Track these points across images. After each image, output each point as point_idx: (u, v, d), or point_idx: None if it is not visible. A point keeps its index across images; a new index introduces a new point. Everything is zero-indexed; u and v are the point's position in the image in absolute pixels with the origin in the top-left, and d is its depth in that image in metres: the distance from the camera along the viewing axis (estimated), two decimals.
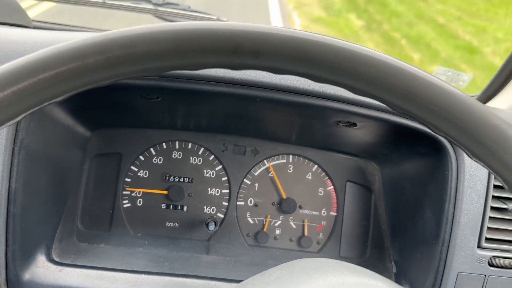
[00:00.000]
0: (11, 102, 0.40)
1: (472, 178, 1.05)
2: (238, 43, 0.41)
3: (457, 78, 1.74)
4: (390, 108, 0.45)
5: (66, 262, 1.08)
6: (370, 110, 1.02)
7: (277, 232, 1.36)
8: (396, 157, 1.24)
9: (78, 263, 1.09)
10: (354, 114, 1.04)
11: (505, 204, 1.09)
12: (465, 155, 1.04)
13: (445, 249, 1.06)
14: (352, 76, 0.42)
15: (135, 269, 1.09)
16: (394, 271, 1.22)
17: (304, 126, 1.26)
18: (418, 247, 1.14)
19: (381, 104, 0.98)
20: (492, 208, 1.07)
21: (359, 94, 0.45)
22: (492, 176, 1.07)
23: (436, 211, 1.08)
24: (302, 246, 1.34)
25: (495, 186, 1.07)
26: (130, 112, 1.22)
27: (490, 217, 1.07)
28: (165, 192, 1.33)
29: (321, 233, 1.37)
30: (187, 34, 0.41)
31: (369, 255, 1.32)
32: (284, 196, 1.36)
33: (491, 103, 1.57)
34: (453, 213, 1.05)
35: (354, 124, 1.10)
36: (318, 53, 0.41)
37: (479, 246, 1.07)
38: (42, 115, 1.01)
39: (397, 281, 1.19)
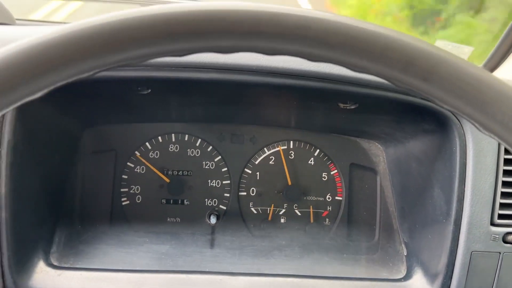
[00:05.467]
0: None
1: (480, 153, 1.00)
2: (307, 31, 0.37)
3: (458, 51, 1.69)
4: (401, 87, 0.40)
5: (65, 265, 1.05)
6: (370, 89, 0.97)
7: (282, 220, 1.32)
8: (401, 136, 1.19)
9: (78, 266, 1.06)
10: (354, 94, 0.99)
11: None
12: (471, 129, 0.99)
13: (457, 228, 1.01)
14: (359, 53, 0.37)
15: (137, 268, 1.05)
16: (405, 253, 1.18)
17: (303, 110, 1.22)
18: (428, 228, 1.10)
19: (381, 81, 0.93)
20: (504, 183, 1.03)
21: (358, 71, 0.40)
22: (502, 150, 1.02)
23: (445, 189, 1.04)
24: (308, 234, 1.30)
25: (506, 160, 1.02)
26: (122, 107, 1.18)
27: (502, 192, 1.02)
28: (164, 187, 1.29)
29: (327, 219, 1.33)
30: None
31: (377, 238, 1.28)
32: (290, 183, 1.32)
33: (496, 74, 1.51)
34: (463, 190, 1.00)
35: (355, 104, 1.05)
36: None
37: (492, 223, 1.02)
38: (30, 115, 0.97)
39: (409, 263, 1.15)
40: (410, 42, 0.37)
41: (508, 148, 0.40)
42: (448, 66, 0.37)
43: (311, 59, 0.39)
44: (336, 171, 1.34)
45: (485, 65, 1.56)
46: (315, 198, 1.33)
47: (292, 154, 1.33)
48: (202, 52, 0.39)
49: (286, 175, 1.32)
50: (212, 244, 1.22)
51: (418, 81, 0.38)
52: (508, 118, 0.37)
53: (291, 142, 1.34)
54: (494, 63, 1.54)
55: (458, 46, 1.70)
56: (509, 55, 1.52)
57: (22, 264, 0.98)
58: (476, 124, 0.39)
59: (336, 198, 1.34)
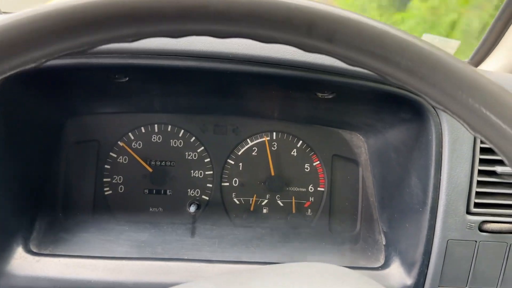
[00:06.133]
0: None
1: (456, 141, 1.01)
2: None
3: (445, 45, 1.69)
4: (310, 51, 0.40)
5: (45, 252, 1.06)
6: (346, 78, 0.97)
7: (264, 211, 1.33)
8: (380, 126, 1.20)
9: (57, 253, 1.06)
10: (330, 83, 0.99)
11: (493, 167, 1.05)
12: (447, 117, 1.00)
13: (433, 216, 1.02)
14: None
15: (116, 256, 1.06)
16: (384, 243, 1.19)
17: (284, 100, 1.22)
18: (406, 217, 1.11)
19: (357, 70, 0.94)
20: (480, 171, 1.03)
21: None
22: (479, 140, 1.03)
23: (422, 178, 1.05)
24: (290, 224, 1.31)
25: (482, 149, 1.03)
26: (103, 96, 1.19)
27: (478, 181, 1.03)
28: (147, 177, 1.30)
29: (309, 210, 1.34)
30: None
31: (359, 228, 1.29)
32: (273, 173, 1.32)
33: (482, 67, 1.52)
34: (439, 178, 1.01)
35: (332, 94, 1.06)
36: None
37: (468, 212, 1.03)
38: (9, 101, 0.98)
39: (387, 252, 1.16)
40: (309, 6, 0.37)
41: (414, 91, 0.40)
42: (349, 24, 0.37)
43: (220, 36, 0.39)
44: (318, 162, 1.34)
45: (471, 60, 1.57)
46: (298, 189, 1.34)
47: (275, 145, 1.34)
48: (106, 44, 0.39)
49: (269, 166, 1.33)
50: (192, 233, 1.23)
51: (323, 43, 0.38)
52: (413, 64, 0.37)
53: (274, 133, 1.34)
54: (479, 58, 1.55)
55: (445, 40, 1.70)
56: (493, 49, 1.52)
57: (0, 250, 0.99)
58: (388, 77, 0.40)
59: (318, 189, 1.34)
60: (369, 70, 0.40)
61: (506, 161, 0.38)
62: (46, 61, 0.38)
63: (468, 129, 0.39)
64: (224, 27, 0.38)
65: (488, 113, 0.36)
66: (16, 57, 0.36)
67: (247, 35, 0.39)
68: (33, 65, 0.38)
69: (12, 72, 0.38)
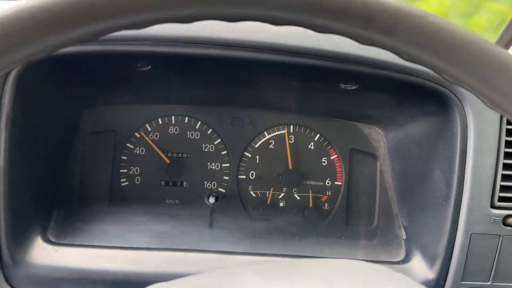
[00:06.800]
0: None
1: (482, 134, 0.99)
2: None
3: None
4: (366, 43, 0.39)
5: (63, 242, 1.05)
6: (372, 68, 0.96)
7: (281, 204, 1.32)
8: (401, 119, 1.18)
9: (76, 243, 1.05)
10: (356, 73, 0.98)
11: None
12: (472, 110, 0.98)
13: (456, 210, 1.00)
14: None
15: (135, 246, 1.05)
16: (404, 237, 1.17)
17: (304, 92, 1.21)
18: (428, 211, 1.10)
19: (383, 60, 0.92)
20: (505, 165, 1.02)
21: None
22: (504, 132, 1.01)
23: (445, 171, 1.03)
24: (307, 218, 1.30)
25: (508, 142, 1.02)
26: (122, 86, 1.18)
27: (503, 175, 1.01)
28: (164, 168, 1.29)
29: (326, 204, 1.33)
30: None
31: (377, 223, 1.28)
32: (290, 167, 1.31)
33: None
34: (463, 171, 0.99)
35: (356, 85, 1.05)
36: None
37: (492, 205, 1.01)
38: (30, 91, 0.97)
39: (407, 247, 1.14)
40: None
41: (470, 90, 0.40)
42: (409, 18, 0.37)
43: (276, 23, 0.39)
44: (336, 156, 1.33)
45: (497, 42, 1.52)
46: (315, 183, 1.33)
47: (292, 138, 1.33)
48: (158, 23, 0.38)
49: (287, 158, 1.32)
50: (210, 225, 1.22)
51: (381, 36, 0.38)
52: (472, 65, 0.37)
53: (291, 126, 1.33)
54: (505, 42, 1.50)
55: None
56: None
57: (19, 239, 0.97)
58: (444, 75, 0.39)
59: (336, 183, 1.33)
60: (426, 67, 0.40)
61: None
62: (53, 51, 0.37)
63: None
64: (281, 14, 0.37)
65: None
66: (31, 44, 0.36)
67: (303, 23, 0.38)
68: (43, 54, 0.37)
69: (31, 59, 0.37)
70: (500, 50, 0.37)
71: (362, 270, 0.58)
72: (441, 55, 0.37)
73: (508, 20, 1.30)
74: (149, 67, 1.01)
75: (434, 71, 0.39)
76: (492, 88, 0.38)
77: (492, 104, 0.39)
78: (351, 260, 0.64)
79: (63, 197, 1.16)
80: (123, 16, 0.36)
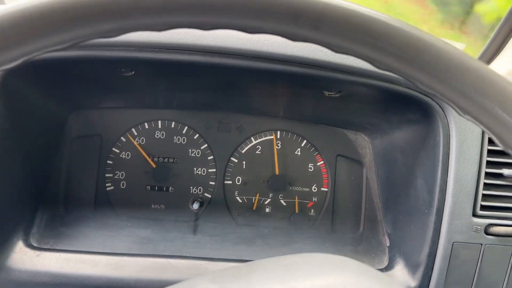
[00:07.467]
0: None
1: (464, 143, 1.00)
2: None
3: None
4: (297, 40, 0.40)
5: (45, 247, 1.04)
6: (354, 76, 0.96)
7: (267, 210, 1.32)
8: (387, 126, 1.19)
9: (58, 248, 1.05)
10: (338, 80, 0.98)
11: (500, 169, 1.04)
12: (455, 119, 0.99)
13: (439, 218, 1.01)
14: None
15: (117, 252, 1.05)
16: (388, 244, 1.17)
17: (290, 98, 1.21)
18: (411, 218, 1.10)
19: (364, 68, 0.93)
20: (487, 174, 1.02)
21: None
22: (486, 141, 1.02)
23: (428, 180, 1.03)
24: (293, 224, 1.30)
25: (490, 151, 1.02)
26: (107, 90, 1.17)
27: (485, 184, 1.02)
28: (149, 173, 1.29)
29: (312, 210, 1.33)
30: None
31: (362, 229, 1.28)
32: (277, 172, 1.31)
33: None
34: (446, 180, 1.00)
35: (339, 92, 1.05)
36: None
37: (474, 214, 1.02)
38: (13, 94, 0.97)
39: (391, 254, 1.15)
40: None
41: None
42: (335, 11, 0.37)
43: (206, 28, 0.39)
44: (322, 162, 1.33)
45: (479, 58, 1.55)
46: (301, 189, 1.33)
47: (279, 144, 1.33)
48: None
49: (274, 164, 1.32)
50: (194, 231, 1.21)
51: (310, 31, 0.38)
52: (396, 48, 0.37)
53: (278, 132, 1.33)
54: (488, 57, 1.53)
55: (449, 42, 1.69)
56: (503, 48, 1.51)
57: (1, 243, 0.97)
58: (375, 63, 0.39)
59: (322, 189, 1.33)
60: (356, 57, 0.40)
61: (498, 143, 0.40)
62: (29, 59, 0.37)
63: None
64: (210, 18, 0.37)
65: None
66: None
67: (233, 26, 0.38)
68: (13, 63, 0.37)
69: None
70: (419, 31, 0.38)
71: (319, 262, 0.59)
72: (369, 44, 0.38)
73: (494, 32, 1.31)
74: (133, 72, 1.01)
75: (366, 61, 0.40)
76: (420, 69, 0.39)
77: (425, 86, 0.40)
78: (310, 253, 0.64)
79: (48, 201, 1.16)
80: (92, 25, 0.36)
